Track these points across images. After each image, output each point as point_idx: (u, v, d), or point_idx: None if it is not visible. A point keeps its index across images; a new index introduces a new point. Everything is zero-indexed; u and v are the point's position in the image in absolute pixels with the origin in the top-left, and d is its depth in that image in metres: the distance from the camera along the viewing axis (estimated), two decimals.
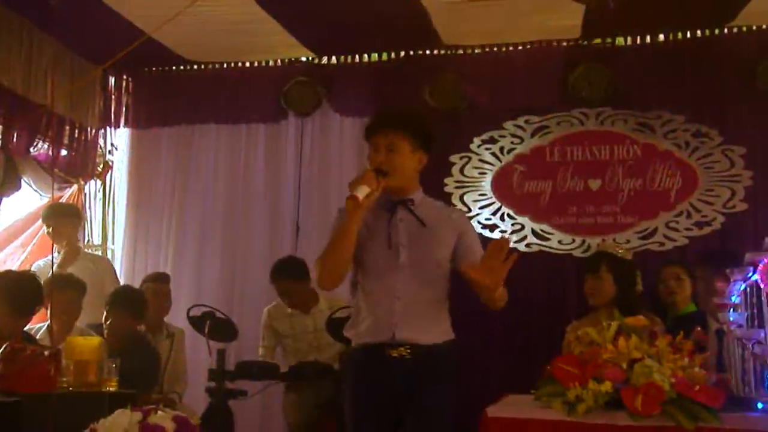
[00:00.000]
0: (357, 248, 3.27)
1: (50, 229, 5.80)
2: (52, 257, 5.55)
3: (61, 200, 6.38)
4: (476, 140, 6.29)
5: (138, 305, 5.18)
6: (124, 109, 6.94)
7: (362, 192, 3.11)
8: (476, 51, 6.38)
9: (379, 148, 3.29)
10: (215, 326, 5.40)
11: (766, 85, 5.83)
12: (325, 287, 3.39)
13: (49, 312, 4.81)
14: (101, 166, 6.80)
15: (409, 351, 3.19)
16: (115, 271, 6.13)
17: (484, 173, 6.27)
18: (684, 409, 2.93)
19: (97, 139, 6.75)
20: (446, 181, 6.22)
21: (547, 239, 6.12)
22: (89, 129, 6.61)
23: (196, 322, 5.47)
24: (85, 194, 6.67)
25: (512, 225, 6.17)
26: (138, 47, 4.63)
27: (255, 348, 6.11)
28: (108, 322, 5.05)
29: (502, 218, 6.18)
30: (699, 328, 3.45)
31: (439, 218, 3.34)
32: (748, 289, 3.10)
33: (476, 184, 6.26)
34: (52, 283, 4.69)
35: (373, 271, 3.29)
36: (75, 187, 6.55)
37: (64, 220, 5.87)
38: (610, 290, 4.31)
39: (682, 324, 3.82)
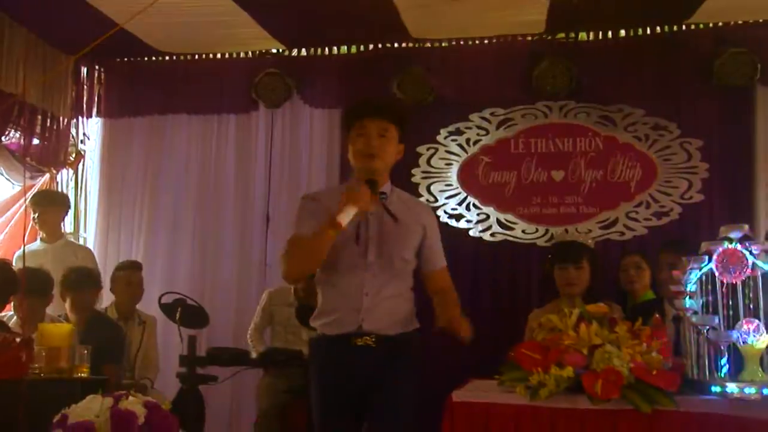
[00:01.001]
0: None
1: (36, 215, 5.77)
2: (23, 247, 5.49)
3: (32, 189, 6.30)
4: (443, 132, 6.30)
5: (91, 281, 5.14)
6: (96, 98, 6.87)
7: (347, 218, 3.04)
8: (443, 45, 6.38)
9: (371, 133, 3.18)
10: (186, 313, 5.39)
11: (722, 80, 5.89)
12: (290, 283, 3.37)
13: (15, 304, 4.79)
14: (73, 155, 6.73)
15: (374, 340, 3.14)
16: (95, 261, 6.05)
17: (451, 164, 6.28)
18: (642, 393, 2.97)
19: (69, 128, 6.68)
20: (413, 171, 6.23)
21: (512, 228, 6.15)
22: (61, 118, 6.53)
23: (168, 309, 5.45)
24: (57, 183, 6.59)
25: (477, 215, 6.19)
26: (110, 38, 4.58)
27: (225, 334, 6.12)
28: (68, 304, 5.02)
29: (467, 208, 6.20)
30: (657, 315, 3.48)
31: (409, 213, 3.27)
32: (704, 278, 3.13)
33: (443, 174, 6.27)
34: (24, 277, 4.65)
35: (342, 266, 3.19)
36: (47, 176, 6.48)
37: (51, 208, 5.85)
38: (587, 280, 4.34)
39: (640, 311, 3.86)
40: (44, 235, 5.83)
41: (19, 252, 5.72)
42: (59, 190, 6.56)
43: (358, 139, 3.21)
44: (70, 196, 6.66)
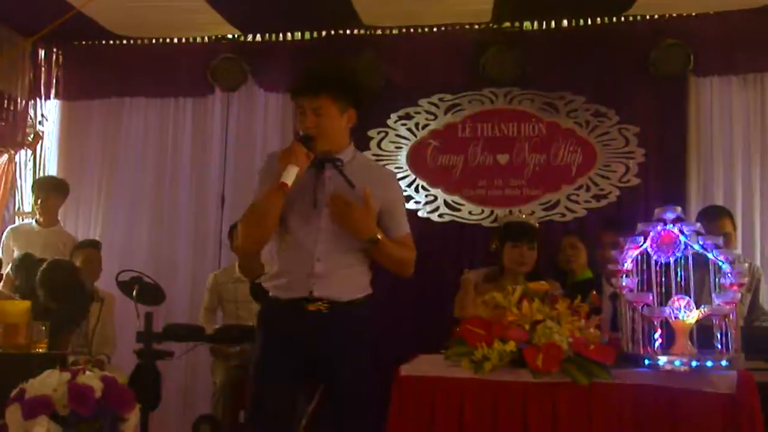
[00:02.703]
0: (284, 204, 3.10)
1: (39, 201, 5.84)
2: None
3: None
4: (393, 116, 6.30)
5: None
6: (54, 81, 6.74)
7: (291, 176, 2.96)
8: (394, 32, 6.37)
9: (306, 112, 3.08)
10: (143, 290, 5.34)
11: (658, 70, 5.97)
12: (244, 253, 3.26)
13: None
14: (31, 136, 6.60)
15: (326, 306, 3.04)
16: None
17: (400, 147, 6.28)
18: (580, 366, 3.01)
19: (27, 109, 6.54)
20: (364, 154, 6.21)
21: (459, 210, 6.17)
22: (19, 100, 6.41)
23: (125, 287, 5.39)
24: (16, 164, 6.47)
25: (426, 196, 6.20)
26: (67, 21, 4.50)
27: (181, 311, 6.08)
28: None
29: (416, 190, 6.21)
30: (594, 293, 3.53)
31: (369, 179, 3.13)
32: (639, 257, 3.17)
33: (393, 157, 6.27)
34: None
35: (295, 230, 3.10)
36: (5, 156, 6.35)
37: (54, 194, 5.91)
38: (535, 260, 4.32)
39: (579, 289, 3.91)
40: (41, 219, 5.86)
41: (7, 231, 5.86)
42: (18, 170, 6.45)
43: (299, 118, 3.13)
44: (28, 177, 6.57)
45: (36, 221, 5.87)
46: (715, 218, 4.58)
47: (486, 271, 4.33)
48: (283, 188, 2.96)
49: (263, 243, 3.21)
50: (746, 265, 3.11)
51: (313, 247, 3.07)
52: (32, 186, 5.98)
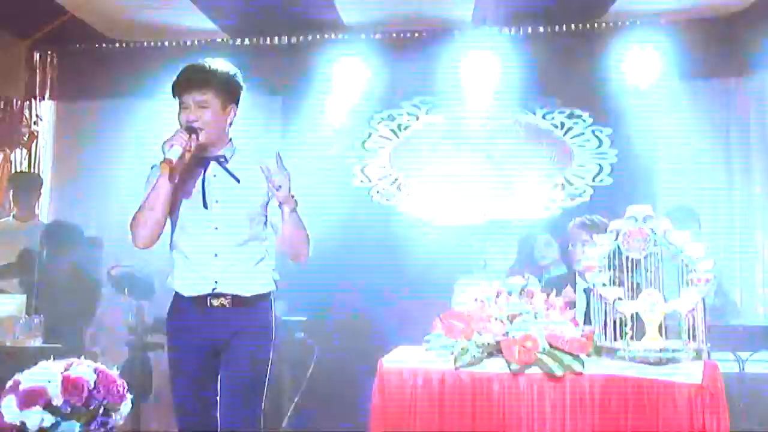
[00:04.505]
0: (173, 205, 3.08)
1: (13, 195, 5.81)
2: None
3: None
4: (376, 117, 6.30)
5: None
6: (49, 82, 6.70)
7: (175, 154, 2.91)
8: (377, 36, 6.36)
9: (190, 106, 3.08)
10: (134, 285, 5.32)
11: (629, 74, 5.99)
12: (139, 247, 3.20)
13: None
14: (27, 136, 6.56)
15: (229, 301, 3.02)
16: None
17: (383, 147, 6.28)
18: (555, 358, 3.02)
19: (23, 110, 6.51)
20: (348, 154, 6.22)
21: (440, 208, 6.17)
22: (14, 100, 6.37)
23: (117, 281, 5.38)
24: (11, 162, 6.43)
25: (408, 195, 6.20)
26: (62, 24, 4.47)
27: None
28: None
29: (399, 188, 6.21)
30: (569, 287, 3.54)
31: (252, 173, 3.06)
32: (611, 253, 3.19)
33: (376, 157, 6.27)
34: None
35: (190, 229, 3.08)
36: (1, 155, 6.31)
37: (30, 192, 5.88)
38: (515, 255, 4.34)
39: (554, 283, 3.92)
40: (18, 212, 5.78)
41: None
42: (13, 169, 6.41)
43: (182, 113, 3.10)
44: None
45: (14, 216, 5.79)
46: (682, 218, 4.61)
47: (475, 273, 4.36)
48: (168, 163, 2.92)
49: (155, 232, 3.13)
50: (713, 260, 3.13)
51: (210, 245, 3.05)
52: (9, 183, 5.92)
